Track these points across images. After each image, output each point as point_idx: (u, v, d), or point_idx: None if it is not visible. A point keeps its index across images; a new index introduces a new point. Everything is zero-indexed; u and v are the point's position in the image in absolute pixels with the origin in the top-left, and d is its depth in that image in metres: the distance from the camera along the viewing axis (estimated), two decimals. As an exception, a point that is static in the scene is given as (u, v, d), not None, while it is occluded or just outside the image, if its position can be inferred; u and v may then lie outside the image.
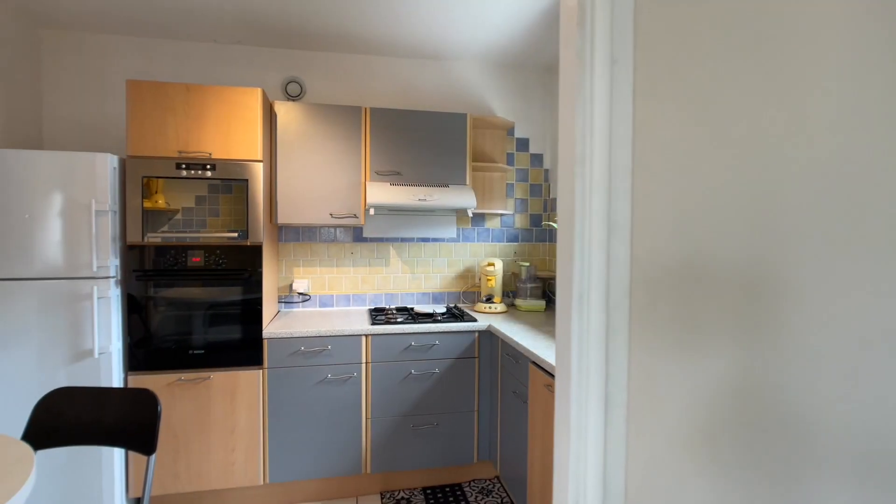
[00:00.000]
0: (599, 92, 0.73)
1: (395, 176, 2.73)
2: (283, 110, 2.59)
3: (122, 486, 2.23)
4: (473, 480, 2.68)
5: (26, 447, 1.13)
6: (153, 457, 1.39)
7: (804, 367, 0.51)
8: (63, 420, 1.45)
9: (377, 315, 2.75)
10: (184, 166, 2.30)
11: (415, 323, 2.55)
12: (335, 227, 2.99)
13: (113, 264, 2.17)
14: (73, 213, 2.11)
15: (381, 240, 3.09)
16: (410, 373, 2.51)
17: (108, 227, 2.14)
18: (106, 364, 2.15)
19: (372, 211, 2.64)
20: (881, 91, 0.44)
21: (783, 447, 0.53)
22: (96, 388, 1.49)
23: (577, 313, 0.76)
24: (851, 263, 0.46)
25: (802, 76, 0.51)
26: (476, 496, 2.53)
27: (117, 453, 2.20)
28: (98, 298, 2.13)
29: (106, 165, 2.14)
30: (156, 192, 2.28)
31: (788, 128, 0.52)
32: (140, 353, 2.27)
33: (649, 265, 0.70)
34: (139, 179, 2.25)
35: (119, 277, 2.23)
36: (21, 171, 2.07)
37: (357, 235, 3.06)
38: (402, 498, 2.52)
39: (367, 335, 2.48)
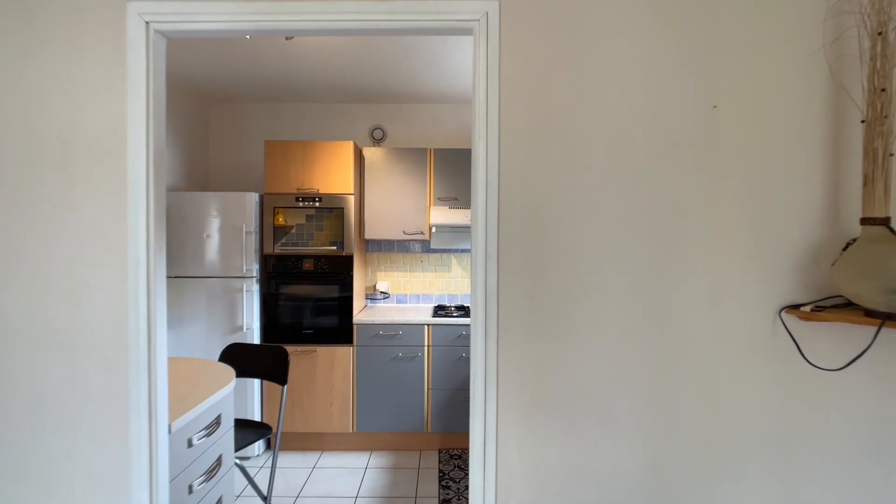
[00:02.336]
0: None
1: (453, 201, 3.47)
2: (369, 154, 3.45)
3: (259, 407, 3.19)
4: (514, 446, 3.31)
5: (228, 366, 2.01)
6: (285, 387, 2.24)
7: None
8: (234, 363, 2.36)
9: (439, 310, 3.50)
10: (300, 199, 3.23)
11: (466, 317, 3.25)
12: (407, 240, 3.80)
13: (255, 268, 3.14)
14: (231, 233, 3.11)
15: (444, 251, 3.84)
16: (462, 356, 3.21)
17: (252, 243, 3.12)
18: (250, 337, 3.12)
19: (434, 229, 3.41)
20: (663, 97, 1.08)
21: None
22: (253, 345, 2.39)
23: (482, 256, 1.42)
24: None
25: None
26: (513, 456, 3.15)
27: (256, 386, 3.16)
28: (246, 292, 3.11)
29: (252, 201, 3.12)
30: (279, 214, 3.24)
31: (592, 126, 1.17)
32: (270, 330, 3.22)
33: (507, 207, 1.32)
34: (272, 209, 3.22)
35: (258, 277, 3.20)
36: (197, 206, 3.11)
37: (426, 247, 3.84)
38: (455, 454, 3.22)
39: (428, 325, 3.24)
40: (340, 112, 3.79)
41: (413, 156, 3.46)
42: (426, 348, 3.24)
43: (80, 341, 1.28)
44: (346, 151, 3.24)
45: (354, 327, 3.22)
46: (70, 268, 1.28)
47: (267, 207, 3.23)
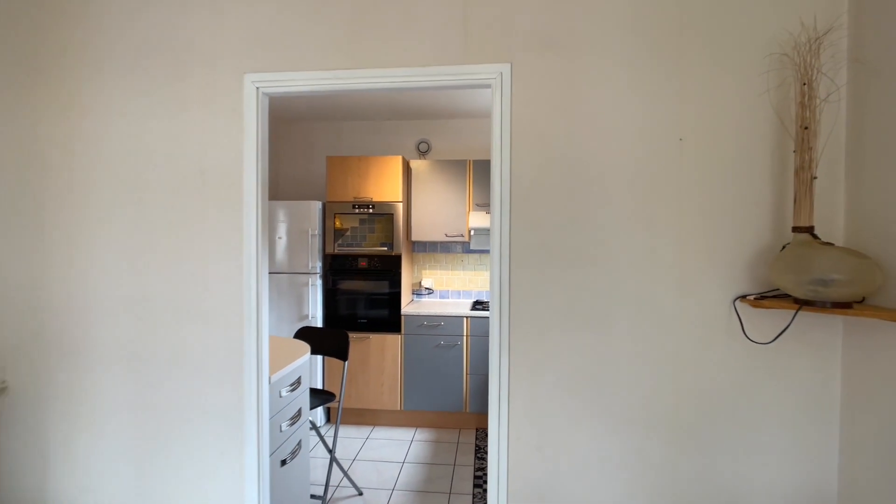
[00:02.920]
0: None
1: (489, 206, 3.86)
2: (415, 165, 3.92)
3: (321, 381, 3.71)
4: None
5: (304, 342, 2.51)
6: (346, 363, 2.72)
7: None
8: (305, 342, 2.87)
9: (477, 305, 3.91)
10: (356, 206, 3.74)
11: (500, 310, 3.64)
12: (449, 242, 4.23)
13: (318, 265, 3.67)
14: (298, 235, 3.66)
15: (482, 251, 4.24)
16: (496, 345, 3.60)
17: (316, 244, 3.65)
18: (314, 324, 3.65)
19: (472, 232, 3.82)
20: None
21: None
22: (320, 328, 2.89)
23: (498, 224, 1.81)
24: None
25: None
26: (542, 436, 3.52)
27: (319, 364, 3.69)
28: (311, 286, 3.64)
29: (316, 208, 3.66)
30: (337, 219, 3.75)
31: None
32: (331, 319, 3.74)
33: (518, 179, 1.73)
34: (332, 214, 3.74)
35: (321, 273, 3.73)
36: (271, 213, 3.67)
37: (465, 248, 4.26)
38: (490, 432, 3.62)
39: (467, 317, 3.65)
40: (391, 129, 4.28)
41: (454, 167, 3.89)
42: (465, 338, 3.66)
43: (209, 315, 1.80)
44: (395, 164, 3.72)
45: (402, 318, 3.69)
46: (203, 262, 1.79)
47: (328, 213, 3.76)
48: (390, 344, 3.70)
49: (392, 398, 3.70)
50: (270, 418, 1.87)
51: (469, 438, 3.59)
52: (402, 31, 1.69)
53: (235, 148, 1.76)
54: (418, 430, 3.73)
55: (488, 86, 1.66)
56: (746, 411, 1.56)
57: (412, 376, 3.69)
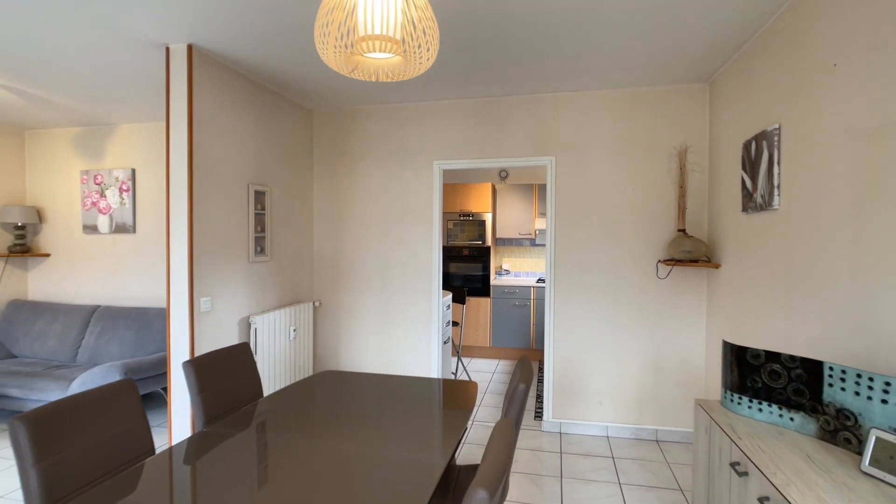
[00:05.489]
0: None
1: (548, 215, 5.82)
2: (499, 187, 5.96)
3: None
4: (584, 361, 5.58)
5: (447, 291, 4.63)
6: (465, 305, 4.82)
7: (576, 260, 3.54)
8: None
9: (539, 280, 5.88)
10: (461, 215, 5.84)
11: (555, 283, 5.60)
12: (521, 238, 6.22)
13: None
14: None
15: (542, 245, 6.19)
16: (552, 305, 5.56)
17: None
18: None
19: (537, 231, 5.80)
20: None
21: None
22: (450, 287, 5.02)
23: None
24: (577, 245, 3.50)
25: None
26: (582, 364, 5.44)
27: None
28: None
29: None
30: (448, 222, 5.87)
31: (576, 225, 3.56)
32: (446, 288, 5.87)
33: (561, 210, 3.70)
34: (446, 220, 5.88)
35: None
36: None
37: (532, 243, 6.23)
38: (548, 362, 5.58)
39: (533, 287, 5.64)
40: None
41: (525, 188, 5.90)
42: (532, 300, 5.66)
43: (416, 268, 3.95)
44: (486, 187, 5.79)
45: (491, 287, 5.76)
46: (413, 244, 3.95)
47: (444, 220, 5.90)
48: (483, 304, 5.77)
49: (484, 338, 5.77)
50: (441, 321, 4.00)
51: (534, 367, 5.58)
52: (505, 142, 3.74)
53: (427, 193, 3.90)
54: (501, 361, 5.78)
55: (545, 165, 3.67)
56: (660, 310, 3.46)
57: (497, 325, 5.74)
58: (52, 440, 1.30)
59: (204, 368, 1.92)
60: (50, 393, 3.34)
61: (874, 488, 1.27)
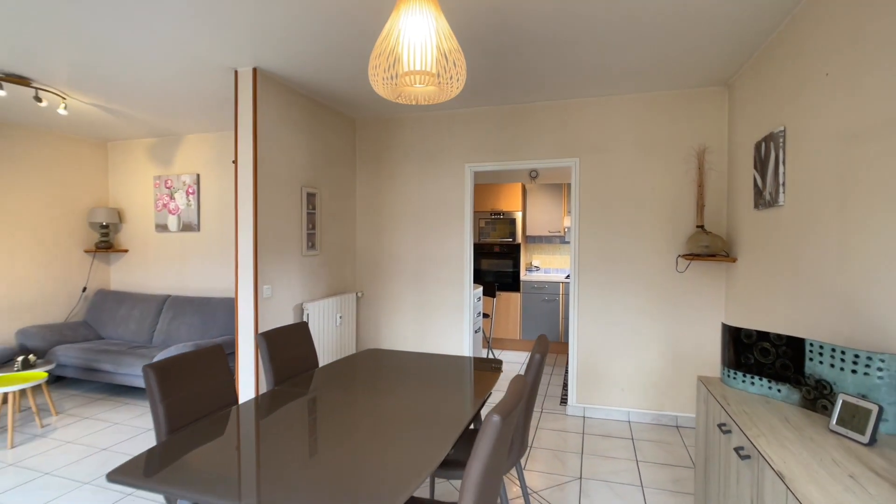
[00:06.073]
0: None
1: (577, 213, 6.03)
2: (528, 187, 6.22)
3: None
4: (612, 354, 5.77)
5: (478, 284, 4.94)
6: (495, 299, 5.10)
7: (599, 255, 3.78)
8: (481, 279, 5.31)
9: (566, 277, 6.10)
10: (491, 213, 6.13)
11: (584, 278, 5.81)
12: (550, 236, 6.45)
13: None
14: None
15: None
16: (581, 300, 5.78)
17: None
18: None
19: (566, 229, 6.02)
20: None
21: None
22: (480, 282, 5.33)
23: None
24: (600, 241, 3.74)
25: (599, 216, 3.78)
26: (610, 357, 5.63)
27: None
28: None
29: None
30: (480, 221, 6.17)
31: (599, 222, 3.79)
32: (478, 282, 6.18)
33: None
34: (477, 219, 6.18)
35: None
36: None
37: (561, 240, 6.45)
38: (577, 355, 5.80)
39: (561, 283, 5.87)
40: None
41: (554, 188, 6.13)
42: (560, 296, 5.89)
43: (448, 261, 4.29)
44: (517, 187, 6.06)
45: (521, 283, 6.02)
46: (445, 239, 4.28)
47: (476, 218, 6.21)
48: (513, 298, 6.05)
49: (514, 331, 6.04)
50: (472, 311, 4.31)
51: (562, 360, 5.81)
52: (532, 144, 4.01)
53: (459, 193, 4.22)
54: (530, 353, 6.03)
55: (569, 166, 3.92)
56: (679, 302, 3.65)
57: (527, 318, 6.00)
58: (170, 384, 1.70)
59: (274, 339, 2.32)
60: (135, 368, 3.86)
61: (837, 443, 1.50)
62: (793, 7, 2.39)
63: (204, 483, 1.32)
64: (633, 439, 3.43)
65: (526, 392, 1.54)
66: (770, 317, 2.69)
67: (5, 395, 3.97)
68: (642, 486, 2.77)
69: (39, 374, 3.46)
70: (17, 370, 3.58)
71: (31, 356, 3.69)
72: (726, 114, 3.52)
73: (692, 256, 3.42)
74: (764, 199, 2.74)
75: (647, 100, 3.70)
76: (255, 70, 3.09)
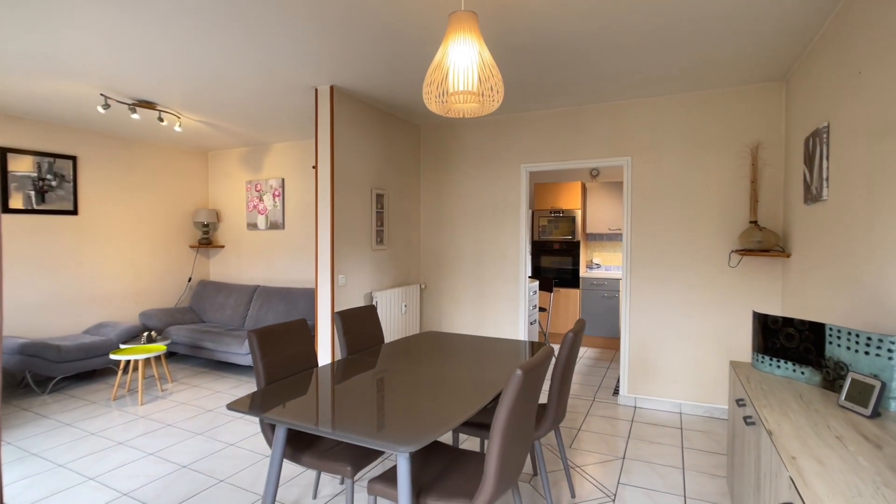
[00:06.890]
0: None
1: (637, 210, 6.06)
2: (589, 185, 6.32)
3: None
4: (672, 352, 5.74)
5: (535, 280, 5.17)
6: (552, 294, 5.30)
7: (650, 250, 3.89)
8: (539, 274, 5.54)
9: (628, 273, 6.13)
10: (551, 212, 6.31)
11: (643, 275, 5.83)
12: (611, 234, 6.50)
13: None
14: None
15: (634, 240, 6.41)
16: (640, 297, 5.80)
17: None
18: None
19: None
20: (651, 216, 3.82)
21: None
22: (537, 277, 5.55)
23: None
24: (650, 236, 3.86)
25: (650, 212, 3.90)
26: (670, 354, 5.61)
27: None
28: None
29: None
30: (540, 219, 6.36)
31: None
32: (537, 277, 6.38)
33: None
34: (537, 217, 6.38)
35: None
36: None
37: (621, 238, 6.48)
38: (636, 351, 5.84)
39: (620, 279, 5.92)
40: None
41: (614, 186, 6.20)
42: (619, 292, 5.95)
43: (504, 257, 4.57)
44: (576, 186, 6.20)
45: (581, 279, 6.15)
46: (505, 246, 4.57)
47: (535, 217, 6.42)
48: (573, 294, 6.19)
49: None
50: (528, 303, 4.56)
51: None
52: (584, 144, 4.19)
53: (515, 192, 4.49)
54: (588, 348, 6.15)
55: (622, 165, 4.06)
56: (732, 297, 3.68)
57: (586, 314, 6.11)
58: (268, 347, 2.16)
59: (348, 317, 2.75)
60: (232, 346, 4.53)
61: (841, 415, 1.63)
62: (837, 1, 2.44)
63: (291, 414, 1.74)
64: (681, 429, 3.52)
65: (549, 356, 1.81)
66: (827, 313, 2.72)
67: (136, 362, 4.79)
68: (683, 469, 2.90)
69: (160, 347, 4.19)
70: (144, 343, 4.34)
71: (153, 332, 4.45)
72: (783, 109, 3.51)
73: (744, 252, 3.46)
74: (811, 193, 2.77)
75: (698, 98, 3.76)
76: (332, 87, 3.57)
